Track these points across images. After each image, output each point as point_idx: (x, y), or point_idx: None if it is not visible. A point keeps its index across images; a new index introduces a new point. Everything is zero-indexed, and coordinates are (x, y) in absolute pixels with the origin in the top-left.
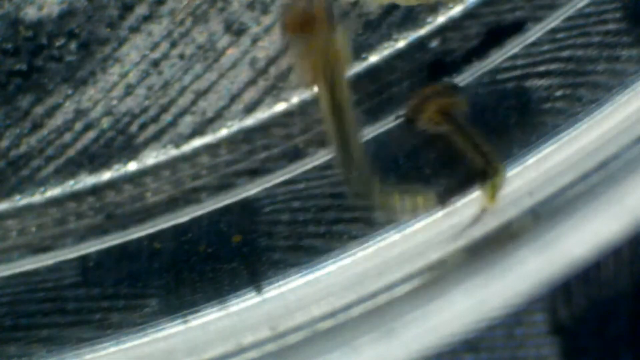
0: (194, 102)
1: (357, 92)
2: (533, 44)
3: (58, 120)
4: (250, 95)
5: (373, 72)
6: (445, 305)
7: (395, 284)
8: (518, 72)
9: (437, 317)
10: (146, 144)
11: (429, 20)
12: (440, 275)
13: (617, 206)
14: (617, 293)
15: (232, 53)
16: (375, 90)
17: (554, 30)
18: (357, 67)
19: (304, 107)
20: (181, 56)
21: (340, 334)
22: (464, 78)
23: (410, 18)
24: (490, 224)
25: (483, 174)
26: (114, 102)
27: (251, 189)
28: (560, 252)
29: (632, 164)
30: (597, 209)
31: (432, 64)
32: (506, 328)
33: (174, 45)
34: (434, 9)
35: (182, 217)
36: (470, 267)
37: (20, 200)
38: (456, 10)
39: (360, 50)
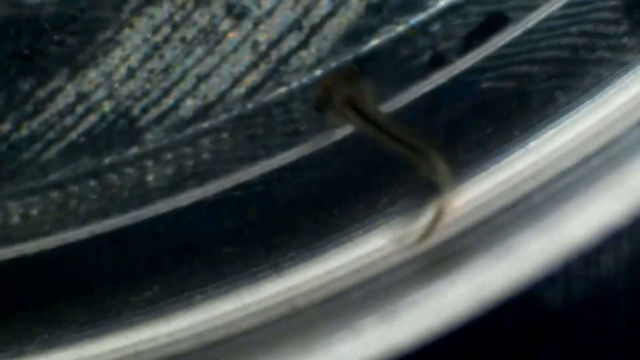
0: (195, 86)
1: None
2: (533, 30)
3: (59, 103)
4: (251, 78)
5: (374, 56)
6: (447, 287)
7: (397, 266)
8: (520, 57)
9: (439, 299)
10: (148, 127)
11: (430, 3)
12: (442, 257)
13: (617, 188)
14: (617, 293)
15: (233, 36)
16: (377, 75)
17: (553, 17)
18: (358, 51)
19: (305, 91)
20: (183, 39)
21: (341, 316)
22: (465, 62)
23: (412, 2)
24: (492, 206)
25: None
26: (116, 85)
27: (253, 173)
28: (562, 234)
29: (632, 147)
30: (598, 191)
31: (433, 48)
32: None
33: (175, 28)
34: None
35: (184, 201)
36: (471, 249)
37: (22, 184)
38: None
39: (361, 33)
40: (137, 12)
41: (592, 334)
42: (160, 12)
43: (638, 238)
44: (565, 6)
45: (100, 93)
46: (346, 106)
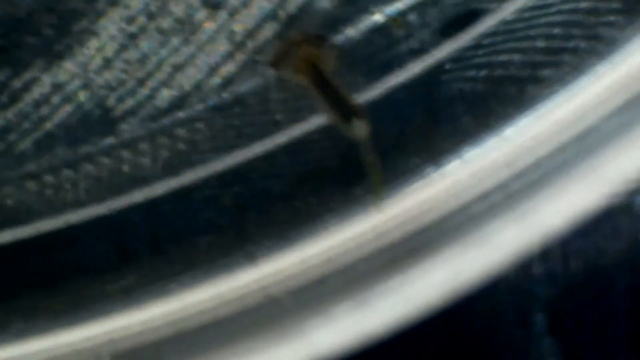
0: (171, 76)
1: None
2: (511, 21)
3: (35, 93)
4: (227, 68)
5: (350, 46)
6: (421, 275)
7: (371, 255)
8: (496, 47)
9: (413, 286)
10: (123, 117)
11: None
12: (417, 245)
13: (593, 177)
14: (616, 293)
15: (209, 26)
16: (353, 64)
17: (529, 8)
18: (334, 41)
19: (281, 81)
20: (158, 29)
21: (316, 303)
22: (442, 51)
23: None
24: (467, 194)
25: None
26: (91, 75)
27: (228, 162)
28: (536, 222)
29: (607, 136)
30: (573, 180)
31: (410, 38)
32: (506, 328)
33: (151, 18)
34: None
35: (160, 190)
36: (446, 237)
37: None
38: None
39: (337, 24)
40: (112, 2)
41: (592, 334)
42: (135, 2)
43: (637, 238)
44: None
45: (76, 83)
46: (306, 64)
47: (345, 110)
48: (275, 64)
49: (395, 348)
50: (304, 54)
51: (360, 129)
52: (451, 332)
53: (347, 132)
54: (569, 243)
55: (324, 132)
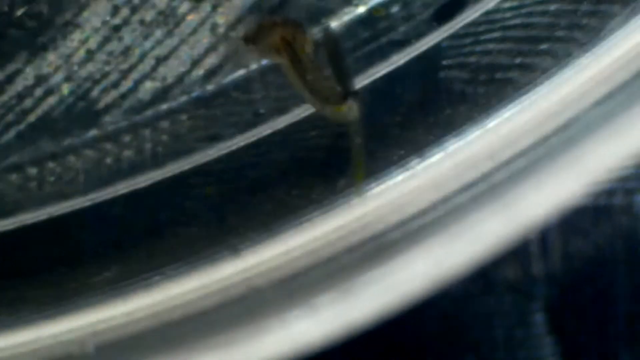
0: (154, 68)
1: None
2: (494, 11)
3: (18, 86)
4: (210, 61)
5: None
6: (404, 265)
7: (354, 246)
8: (479, 37)
9: (395, 277)
10: (107, 109)
11: None
12: (399, 236)
13: (576, 167)
14: (616, 293)
15: (192, 19)
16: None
17: None
18: (317, 34)
19: (264, 73)
20: (142, 22)
21: (299, 294)
22: (425, 42)
23: None
24: (450, 186)
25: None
26: (75, 68)
27: (211, 155)
28: (520, 212)
29: (590, 127)
30: (556, 171)
31: (393, 30)
32: (506, 328)
33: (134, 10)
34: None
35: (143, 183)
36: (429, 227)
37: None
38: None
39: (320, 15)
40: None
41: (592, 334)
42: None
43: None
44: None
45: (60, 75)
46: (282, 43)
47: (334, 93)
48: (250, 40)
49: (395, 346)
50: (281, 34)
51: (350, 111)
52: (451, 332)
53: (334, 116)
54: (569, 243)
55: (308, 124)
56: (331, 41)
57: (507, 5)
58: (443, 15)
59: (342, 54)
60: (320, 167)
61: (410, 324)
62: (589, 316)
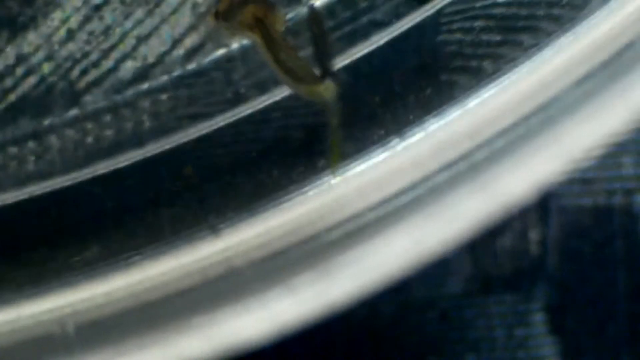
0: (135, 48)
1: (297, 37)
2: None
3: None
4: (191, 40)
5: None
6: (384, 245)
7: (334, 226)
8: (459, 16)
9: (375, 257)
10: (87, 89)
11: None
12: (379, 216)
13: (554, 147)
14: (616, 293)
15: None
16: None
17: None
18: (300, 12)
19: (245, 52)
20: (122, 1)
21: (278, 274)
22: (406, 22)
23: None
24: (430, 165)
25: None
26: (55, 47)
27: (192, 134)
28: (498, 192)
29: (569, 107)
30: (535, 150)
31: (373, 10)
32: (506, 328)
33: None
34: None
35: (123, 162)
36: (408, 207)
37: None
38: None
39: None
40: None
41: (592, 334)
42: None
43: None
44: None
45: (40, 55)
46: (253, 20)
47: (308, 73)
48: (220, 15)
49: (396, 343)
50: (251, 10)
51: (327, 91)
52: (451, 332)
53: (309, 96)
54: (569, 243)
55: (288, 103)
56: (315, 20)
57: None
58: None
59: (325, 34)
60: (300, 147)
61: (411, 324)
62: (589, 316)
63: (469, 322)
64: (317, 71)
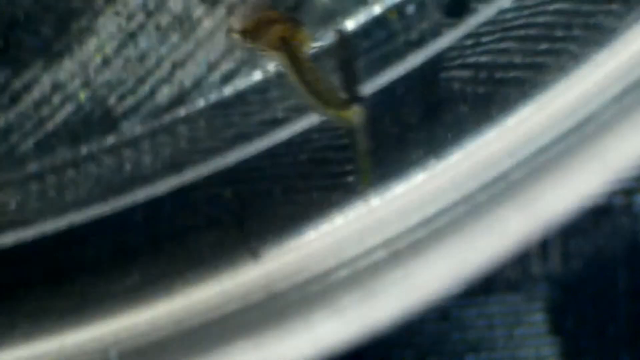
0: (171, 73)
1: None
2: (509, 10)
3: (35, 94)
4: (227, 64)
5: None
6: (426, 266)
7: (375, 247)
8: (494, 35)
9: (418, 278)
10: (124, 115)
11: None
12: (420, 237)
13: (594, 164)
14: (616, 293)
15: (208, 23)
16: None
17: None
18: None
19: (281, 75)
20: (157, 27)
21: (321, 297)
22: (441, 42)
23: None
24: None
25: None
26: (91, 74)
27: (229, 159)
28: (540, 210)
29: (608, 123)
30: (574, 168)
31: (409, 30)
32: (506, 328)
33: (149, 15)
34: None
35: (162, 188)
36: (450, 227)
37: (0, 176)
38: None
39: (337, 15)
40: (110, 0)
41: (592, 334)
42: (134, 0)
43: (637, 238)
44: None
45: (76, 82)
46: (280, 41)
47: (334, 96)
48: (247, 35)
49: (396, 342)
50: (278, 30)
51: (355, 116)
52: (451, 332)
53: (335, 120)
54: (569, 243)
55: (325, 125)
56: (344, 44)
57: (522, 3)
58: (458, 15)
59: (353, 58)
60: (339, 169)
61: (411, 324)
62: (589, 316)
63: (469, 322)
64: (344, 95)
